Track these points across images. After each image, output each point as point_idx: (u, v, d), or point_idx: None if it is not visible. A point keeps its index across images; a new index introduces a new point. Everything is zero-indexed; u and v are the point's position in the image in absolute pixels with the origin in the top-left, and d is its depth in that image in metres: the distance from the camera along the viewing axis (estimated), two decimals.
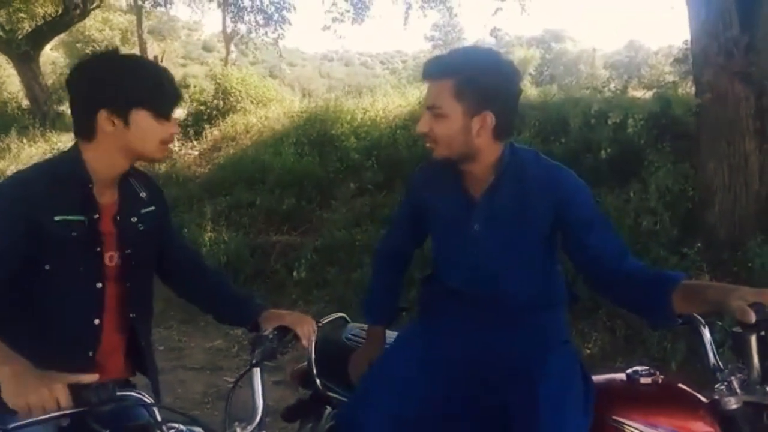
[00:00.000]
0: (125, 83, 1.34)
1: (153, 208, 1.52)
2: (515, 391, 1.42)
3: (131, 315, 1.47)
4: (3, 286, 1.31)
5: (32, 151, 10.85)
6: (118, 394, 1.07)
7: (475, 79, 1.42)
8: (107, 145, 1.36)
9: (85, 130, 1.37)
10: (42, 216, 1.30)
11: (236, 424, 1.18)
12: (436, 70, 1.47)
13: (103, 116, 1.33)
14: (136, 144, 1.37)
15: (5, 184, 1.36)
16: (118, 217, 1.43)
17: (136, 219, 1.47)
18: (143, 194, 1.51)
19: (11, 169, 10.01)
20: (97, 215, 1.38)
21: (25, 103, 14.31)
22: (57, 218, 1.31)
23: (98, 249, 1.39)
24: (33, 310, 1.36)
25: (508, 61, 1.51)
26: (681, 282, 1.34)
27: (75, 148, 1.40)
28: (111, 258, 1.42)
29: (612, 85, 7.15)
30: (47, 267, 1.33)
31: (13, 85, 15.98)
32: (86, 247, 1.37)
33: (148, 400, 1.08)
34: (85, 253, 1.36)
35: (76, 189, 1.36)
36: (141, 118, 1.35)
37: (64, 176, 1.35)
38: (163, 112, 1.37)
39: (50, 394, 1.03)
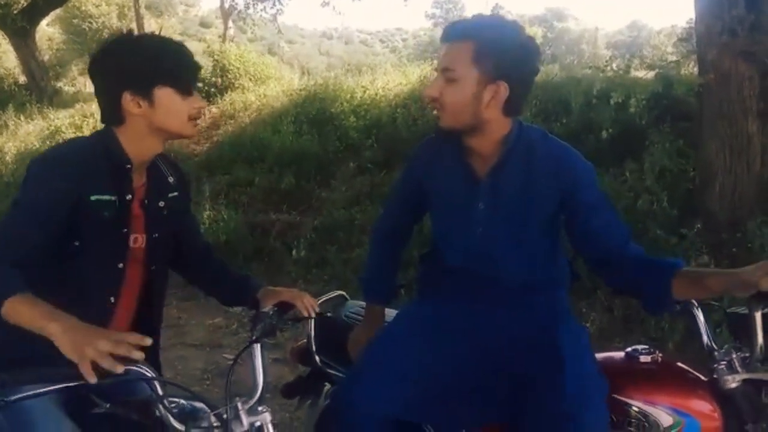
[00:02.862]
0: (144, 63, 1.34)
1: (177, 193, 1.54)
2: (535, 357, 1.42)
3: (152, 296, 1.50)
4: (38, 255, 1.30)
5: (29, 127, 10.78)
6: None
7: (496, 44, 1.38)
8: (137, 127, 1.37)
9: (113, 115, 1.38)
10: (81, 193, 1.31)
11: (237, 399, 1.18)
12: (456, 31, 1.43)
13: (127, 98, 1.34)
14: (165, 122, 1.37)
15: (51, 155, 1.36)
16: (146, 201, 1.44)
17: (162, 203, 1.49)
18: (171, 179, 1.53)
19: (9, 146, 9.95)
20: (131, 196, 1.40)
21: (22, 79, 14.18)
22: (93, 198, 1.33)
23: (125, 230, 1.40)
24: (50, 284, 1.35)
25: (531, 37, 1.47)
26: (680, 269, 1.34)
27: (108, 132, 1.40)
28: (135, 240, 1.44)
29: (614, 65, 7.07)
30: (77, 243, 1.34)
31: (10, 61, 15.79)
32: (115, 227, 1.38)
33: (150, 374, 1.09)
34: (112, 233, 1.37)
35: (113, 169, 1.37)
36: (164, 95, 1.35)
37: (102, 156, 1.36)
38: (185, 87, 1.38)
39: (107, 343, 1.02)
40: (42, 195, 1.28)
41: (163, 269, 1.53)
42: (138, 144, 1.39)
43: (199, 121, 1.43)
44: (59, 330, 1.06)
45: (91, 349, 1.00)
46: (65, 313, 1.11)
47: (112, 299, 1.42)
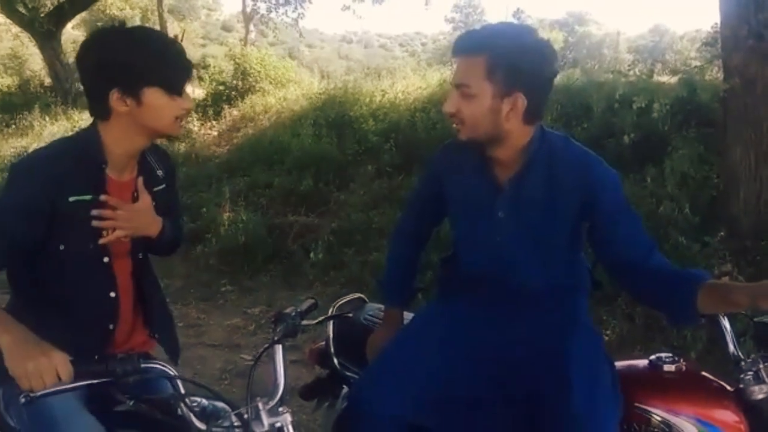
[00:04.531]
0: (134, 62, 1.31)
1: (164, 186, 1.53)
2: (544, 374, 1.40)
3: (143, 284, 1.51)
4: (22, 263, 1.34)
5: (54, 128, 10.95)
6: (143, 366, 1.09)
7: (508, 56, 1.35)
8: (123, 125, 1.36)
9: (99, 110, 1.37)
10: (59, 196, 1.31)
11: (257, 399, 1.19)
12: (467, 45, 1.41)
13: (115, 97, 1.32)
14: (151, 122, 1.36)
15: (28, 161, 1.37)
16: (135, 194, 1.44)
17: (151, 197, 1.48)
18: (159, 172, 1.52)
19: (33, 147, 10.12)
20: (104, 195, 1.38)
21: (48, 81, 14.43)
22: (71, 199, 1.33)
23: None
24: (52, 289, 1.39)
25: (545, 40, 1.43)
26: (706, 281, 1.31)
27: (93, 128, 1.40)
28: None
29: (637, 69, 6.99)
30: (61, 247, 1.35)
31: (36, 63, 16.10)
32: (94, 226, 1.37)
33: (172, 372, 1.10)
34: (93, 231, 1.36)
35: (90, 169, 1.37)
36: (153, 96, 1.33)
37: (81, 156, 1.36)
38: (175, 89, 1.36)
39: (49, 364, 1.05)
40: (19, 200, 1.29)
41: (148, 256, 1.55)
42: (122, 140, 1.38)
43: (185, 122, 1.42)
44: (9, 342, 1.10)
45: (31, 364, 1.05)
46: (20, 325, 1.14)
47: (113, 294, 1.43)
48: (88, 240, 1.37)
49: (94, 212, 1.34)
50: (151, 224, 1.43)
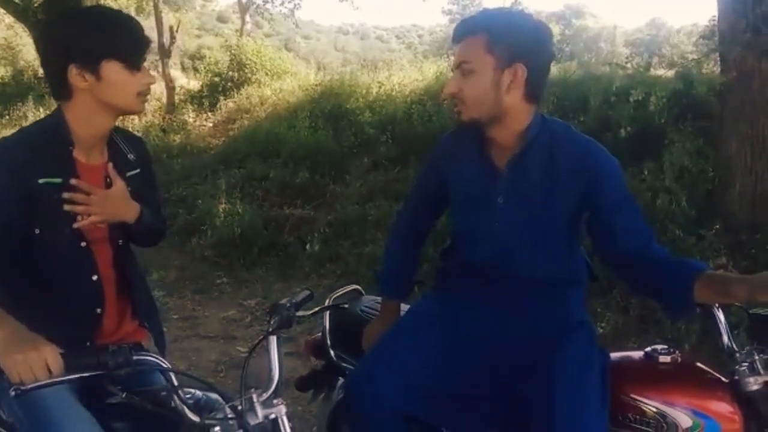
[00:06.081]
0: (91, 35, 1.32)
1: (138, 170, 1.52)
2: (531, 375, 1.40)
3: (127, 272, 1.50)
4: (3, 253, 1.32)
5: None
6: (135, 358, 1.08)
7: (507, 31, 1.39)
8: (85, 103, 1.35)
9: (60, 90, 1.36)
10: (30, 179, 1.31)
11: (252, 391, 1.18)
12: (466, 28, 1.44)
13: (73, 72, 1.32)
14: (112, 98, 1.36)
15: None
16: (108, 179, 1.42)
17: (125, 183, 1.45)
18: (131, 156, 1.51)
19: None
20: (74, 179, 1.36)
21: (41, 71, 14.32)
22: (41, 181, 1.32)
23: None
24: (35, 276, 1.38)
25: (542, 22, 1.47)
26: (704, 272, 1.31)
27: (57, 111, 1.39)
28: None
29: (634, 62, 6.98)
30: (37, 231, 1.34)
31: (30, 53, 15.97)
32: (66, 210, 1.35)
33: (165, 365, 1.09)
34: (68, 214, 1.35)
35: (57, 151, 1.36)
36: (112, 69, 1.33)
37: (47, 139, 1.35)
38: (132, 62, 1.35)
39: (38, 357, 1.04)
40: None
41: (129, 245, 1.54)
42: (86, 121, 1.37)
43: (147, 96, 1.42)
44: (0, 336, 1.09)
45: (20, 357, 1.04)
46: (12, 319, 1.13)
47: (95, 277, 1.42)
48: (63, 224, 1.35)
49: (65, 195, 1.32)
50: (128, 210, 1.41)
